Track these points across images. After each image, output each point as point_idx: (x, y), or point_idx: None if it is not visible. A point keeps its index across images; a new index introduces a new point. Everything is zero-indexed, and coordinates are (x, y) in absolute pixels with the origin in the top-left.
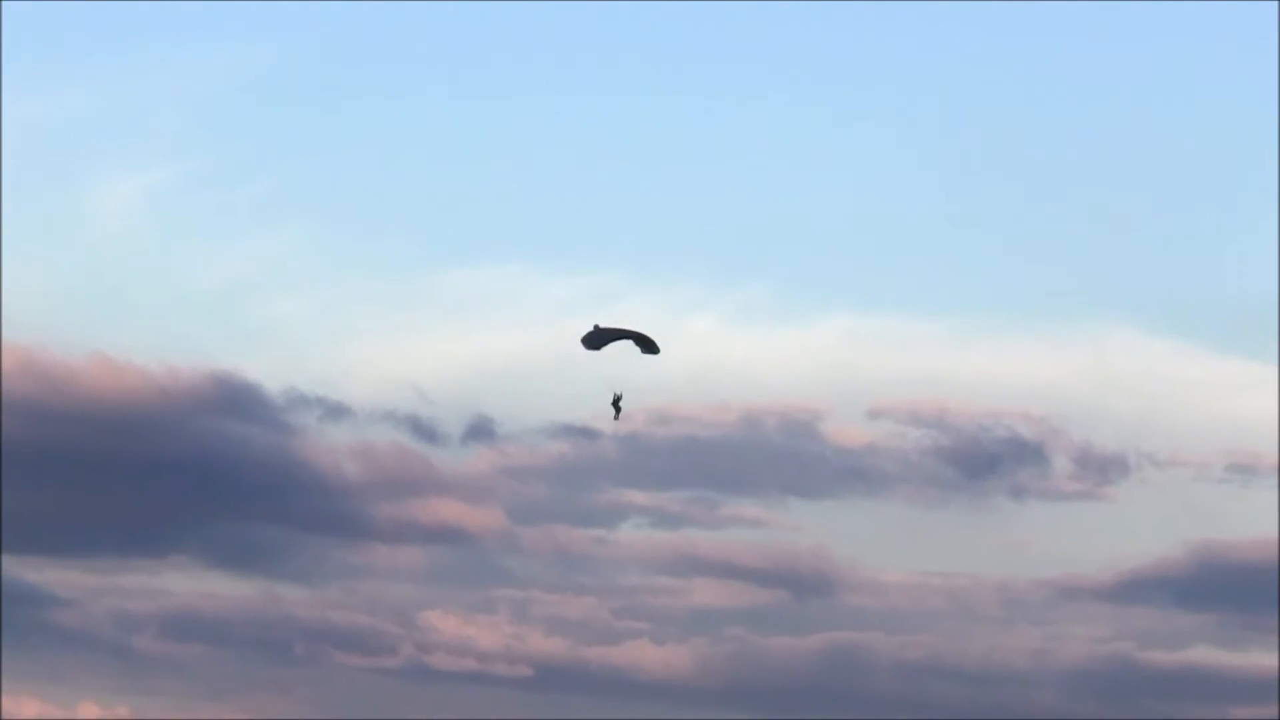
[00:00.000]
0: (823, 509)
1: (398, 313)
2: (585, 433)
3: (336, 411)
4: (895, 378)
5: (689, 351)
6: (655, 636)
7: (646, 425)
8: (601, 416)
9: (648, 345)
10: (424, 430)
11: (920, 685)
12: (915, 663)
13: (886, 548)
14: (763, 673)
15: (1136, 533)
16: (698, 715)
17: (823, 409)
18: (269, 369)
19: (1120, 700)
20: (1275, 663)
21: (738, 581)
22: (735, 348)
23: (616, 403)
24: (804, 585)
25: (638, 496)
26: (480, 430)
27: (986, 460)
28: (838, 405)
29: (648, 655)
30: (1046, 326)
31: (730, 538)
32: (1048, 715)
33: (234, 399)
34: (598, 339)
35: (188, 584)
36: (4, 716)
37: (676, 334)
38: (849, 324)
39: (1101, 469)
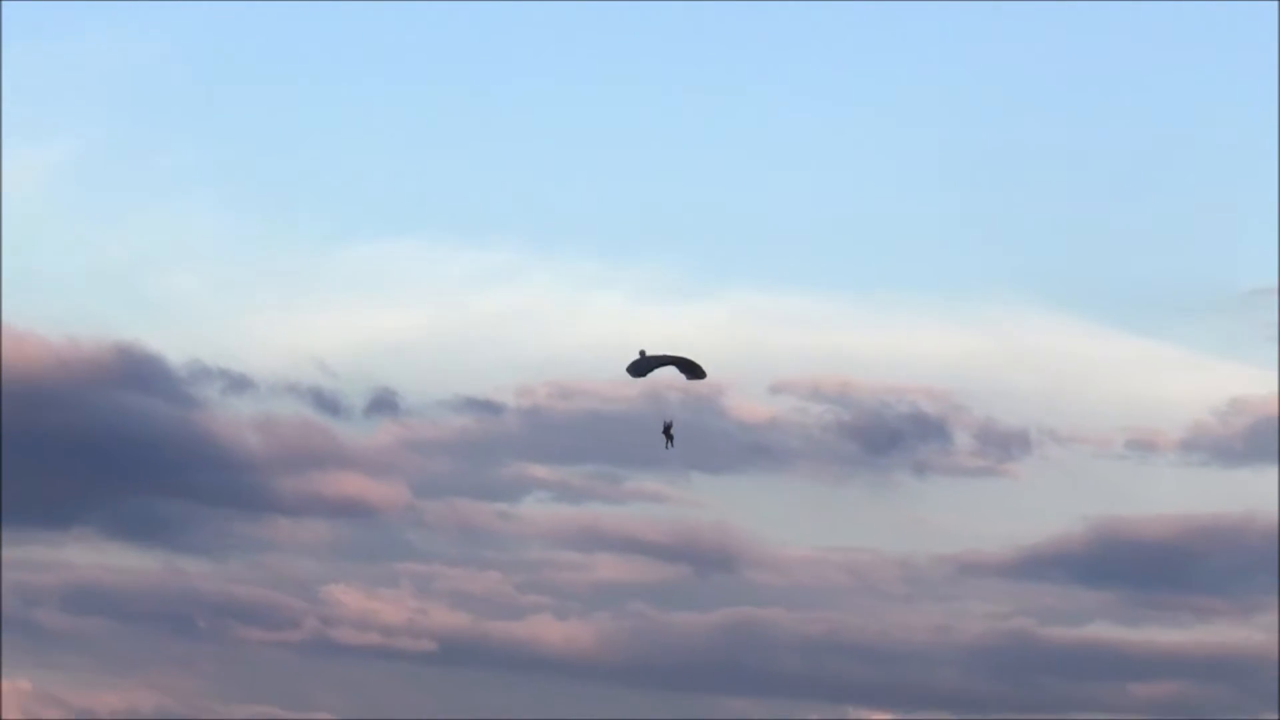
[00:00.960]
0: (725, 484)
1: (300, 287)
2: (488, 407)
3: (239, 384)
4: (798, 354)
5: (590, 327)
6: (558, 611)
7: (549, 400)
8: (504, 389)
9: (693, 371)
10: (327, 403)
11: (821, 661)
12: (817, 639)
13: (788, 523)
14: (665, 648)
15: (1038, 509)
16: (600, 689)
17: (725, 384)
18: (171, 341)
19: (1020, 677)
20: (1173, 639)
21: (640, 556)
22: (638, 323)
23: (668, 430)
24: (706, 560)
25: (541, 471)
26: (383, 404)
27: (888, 436)
28: (740, 381)
29: (550, 630)
30: (950, 303)
31: (633, 513)
32: (948, 691)
33: (136, 371)
34: (643, 366)
35: (90, 557)
36: None
37: (578, 310)
38: (751, 300)
39: (1003, 445)
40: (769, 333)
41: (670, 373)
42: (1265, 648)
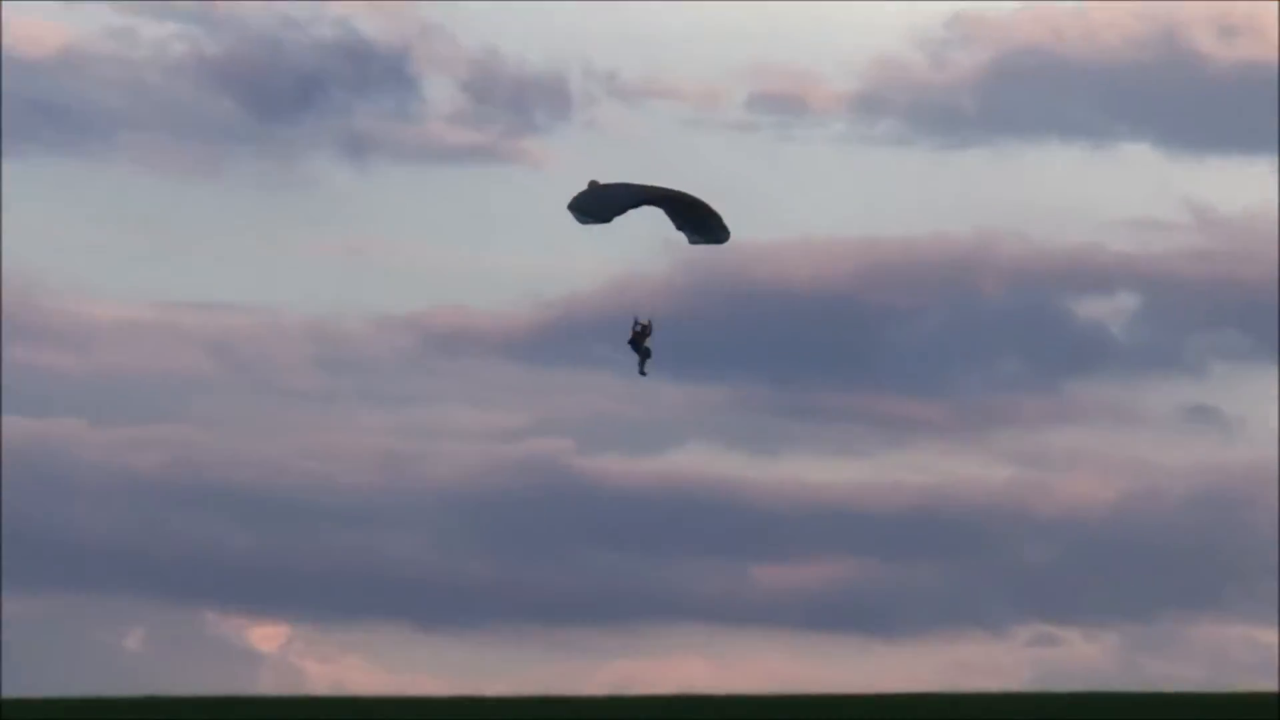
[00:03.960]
0: None
1: None
2: None
3: None
4: None
5: None
6: None
7: None
8: None
9: (702, 225)
10: None
11: None
12: None
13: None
14: None
15: (571, 222)
16: None
17: None
18: None
19: None
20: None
21: None
22: None
23: (640, 339)
24: None
25: None
26: None
27: (293, 85)
28: None
29: None
30: None
31: None
32: None
33: None
34: (600, 205)
35: None
36: None
37: None
38: None
39: (517, 102)
40: None
41: (651, 220)
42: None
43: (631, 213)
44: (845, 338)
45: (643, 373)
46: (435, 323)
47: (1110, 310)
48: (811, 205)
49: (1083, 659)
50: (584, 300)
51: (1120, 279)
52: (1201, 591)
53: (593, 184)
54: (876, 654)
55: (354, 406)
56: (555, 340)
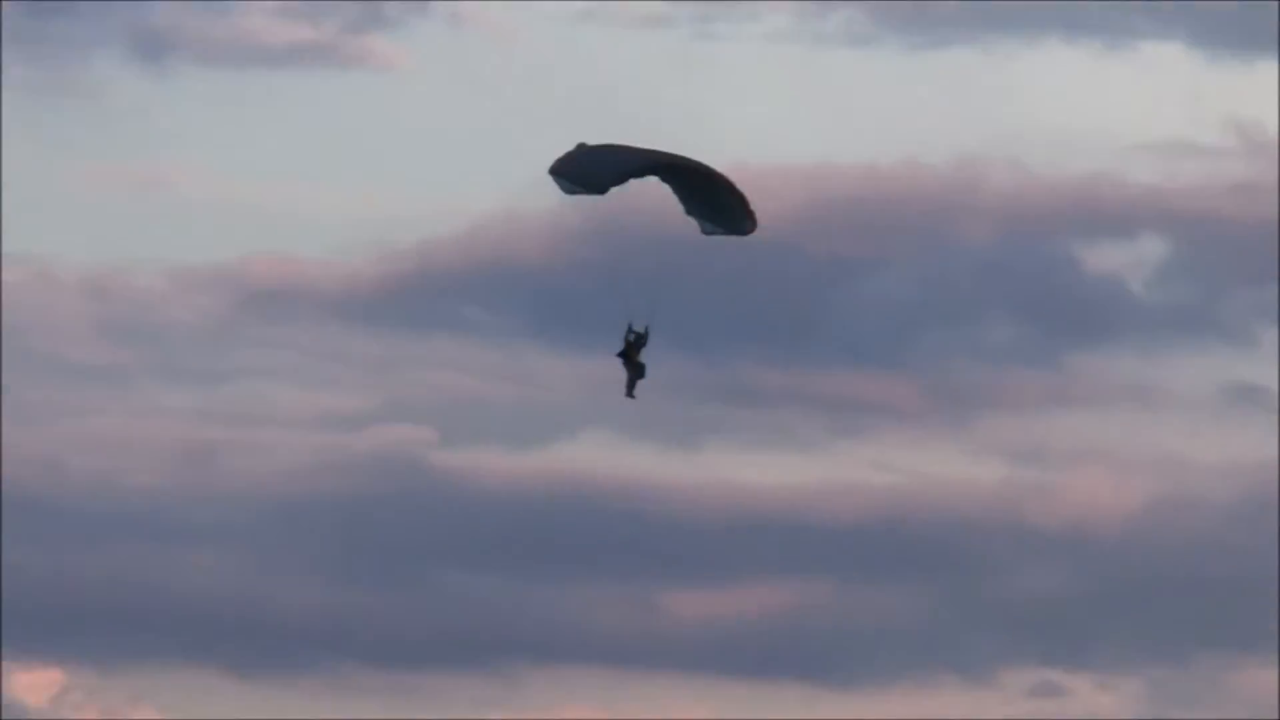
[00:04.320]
0: None
1: None
2: None
3: None
4: None
5: None
6: None
7: None
8: None
9: (716, 202)
10: None
11: None
12: None
13: None
14: None
15: (438, 136)
16: None
17: None
18: None
19: None
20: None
21: None
22: None
23: (633, 351)
24: None
25: None
26: None
27: None
28: None
29: None
30: None
31: None
32: None
33: None
34: (592, 172)
35: None
36: None
37: None
38: None
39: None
40: None
41: (650, 196)
42: None
43: (631, 184)
44: (787, 297)
45: (630, 395)
46: (253, 276)
47: (1129, 260)
48: (744, 124)
49: (1095, 713)
50: (446, 247)
51: (1142, 219)
52: (1246, 626)
53: (580, 146)
54: (826, 707)
55: (147, 384)
56: (409, 299)
